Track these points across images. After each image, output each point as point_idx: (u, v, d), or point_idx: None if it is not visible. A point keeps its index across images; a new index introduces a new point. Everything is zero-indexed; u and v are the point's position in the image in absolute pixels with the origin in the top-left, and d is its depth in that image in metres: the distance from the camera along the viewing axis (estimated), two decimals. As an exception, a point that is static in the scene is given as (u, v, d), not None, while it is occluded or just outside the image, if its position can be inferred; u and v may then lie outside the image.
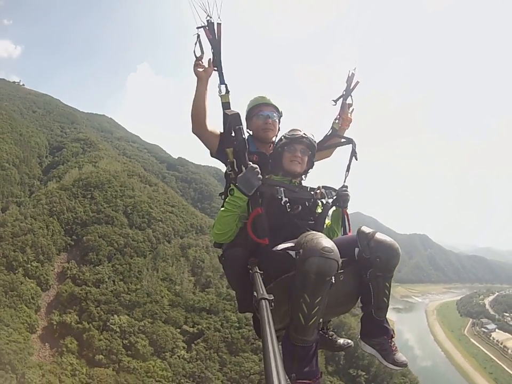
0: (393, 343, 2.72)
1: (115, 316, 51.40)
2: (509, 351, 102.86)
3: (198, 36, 3.03)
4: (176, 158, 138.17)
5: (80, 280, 55.38)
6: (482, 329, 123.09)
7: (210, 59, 3.11)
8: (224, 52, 3.04)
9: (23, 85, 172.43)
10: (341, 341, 3.36)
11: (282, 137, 3.22)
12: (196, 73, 3.09)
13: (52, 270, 57.51)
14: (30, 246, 56.62)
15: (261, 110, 3.50)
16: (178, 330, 52.80)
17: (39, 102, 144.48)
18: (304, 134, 3.17)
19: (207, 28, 2.97)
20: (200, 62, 3.10)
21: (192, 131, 3.28)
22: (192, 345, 51.25)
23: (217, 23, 2.97)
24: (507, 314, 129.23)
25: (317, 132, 3.57)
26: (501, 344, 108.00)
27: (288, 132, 3.24)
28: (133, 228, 65.66)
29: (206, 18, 2.95)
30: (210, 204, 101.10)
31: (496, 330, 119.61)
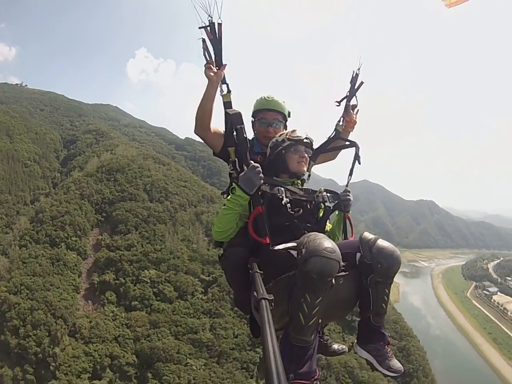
0: (389, 349, 2.76)
1: (145, 270, 59.44)
2: (509, 313, 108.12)
3: (204, 41, 3.13)
4: (184, 138, 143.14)
5: (113, 247, 63.37)
6: (484, 291, 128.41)
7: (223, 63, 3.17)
8: (225, 52, 3.12)
9: (26, 85, 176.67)
10: (336, 346, 3.41)
11: (285, 139, 3.20)
12: (207, 75, 3.14)
13: (88, 242, 65.78)
14: (68, 225, 64.64)
15: (264, 117, 3.55)
16: (197, 278, 60.05)
17: (44, 100, 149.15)
18: (306, 135, 3.22)
19: (208, 28, 3.04)
20: (210, 65, 3.15)
21: (195, 132, 3.36)
22: (208, 289, 58.68)
23: (218, 23, 3.03)
24: (509, 278, 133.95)
25: (318, 133, 3.53)
26: (501, 306, 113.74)
27: (291, 133, 3.24)
28: (153, 201, 73.38)
29: (208, 18, 3.01)
30: (219, 178, 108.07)
31: (498, 293, 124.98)
